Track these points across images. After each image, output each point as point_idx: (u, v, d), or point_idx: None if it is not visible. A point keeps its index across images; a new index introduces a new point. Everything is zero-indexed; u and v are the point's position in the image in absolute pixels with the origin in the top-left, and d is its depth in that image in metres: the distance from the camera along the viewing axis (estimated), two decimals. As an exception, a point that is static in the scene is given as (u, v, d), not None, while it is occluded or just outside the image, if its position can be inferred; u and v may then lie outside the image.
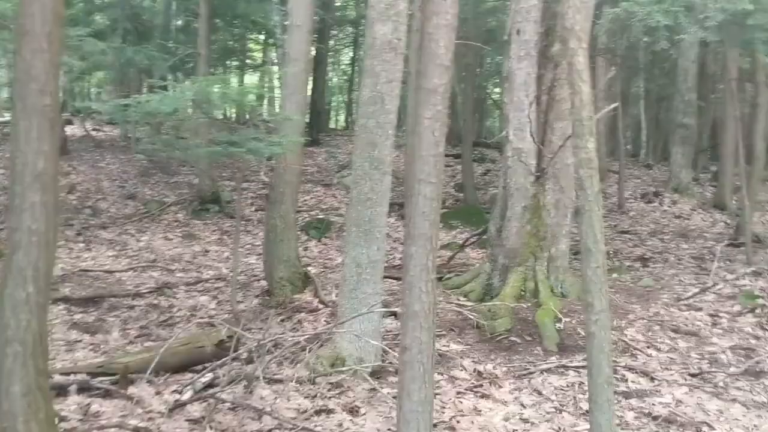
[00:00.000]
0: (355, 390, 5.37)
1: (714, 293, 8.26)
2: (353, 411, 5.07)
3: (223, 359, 5.50)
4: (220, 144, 6.58)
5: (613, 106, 10.09)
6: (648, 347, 6.51)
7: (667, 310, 7.63)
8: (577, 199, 3.29)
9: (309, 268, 8.86)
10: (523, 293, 7.34)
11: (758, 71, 11.68)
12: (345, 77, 28.82)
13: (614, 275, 9.09)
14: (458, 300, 7.54)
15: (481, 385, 5.70)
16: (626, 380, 5.78)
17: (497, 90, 22.25)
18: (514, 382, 5.78)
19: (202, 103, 6.60)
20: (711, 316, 7.56)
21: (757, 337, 7.03)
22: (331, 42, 24.11)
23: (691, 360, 6.29)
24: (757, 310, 7.66)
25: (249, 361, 5.73)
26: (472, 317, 6.76)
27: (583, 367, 5.94)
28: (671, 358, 6.30)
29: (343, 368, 5.54)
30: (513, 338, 6.59)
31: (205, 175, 13.09)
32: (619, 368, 5.95)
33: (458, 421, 5.11)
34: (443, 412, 5.20)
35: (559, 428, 5.03)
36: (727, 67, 12.46)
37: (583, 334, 6.93)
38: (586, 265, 3.22)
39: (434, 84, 3.30)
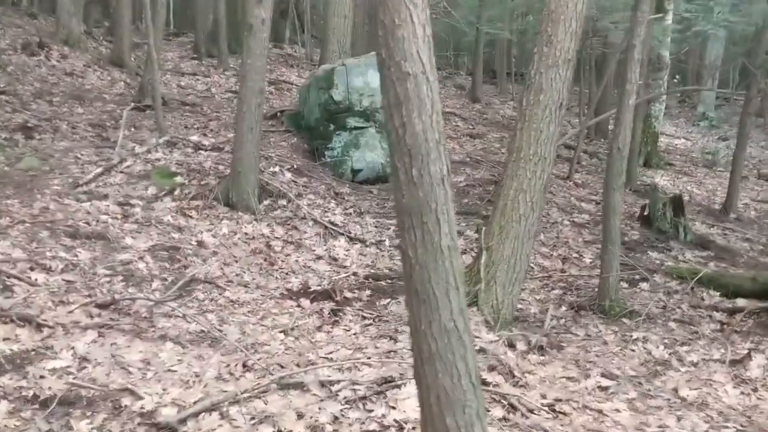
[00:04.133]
0: None
1: (122, 172, 6.33)
2: None
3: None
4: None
5: None
6: (32, 269, 4.19)
7: (60, 203, 5.36)
8: None
9: None
10: None
11: None
12: None
13: (-21, 155, 6.26)
14: None
15: None
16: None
17: None
18: None
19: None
20: (121, 205, 5.63)
21: (179, 229, 5.45)
22: None
23: (98, 281, 4.27)
24: (176, 192, 6.08)
25: None
26: None
27: None
28: (69, 283, 4.15)
29: None
30: None
31: None
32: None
33: None
34: None
35: None
36: None
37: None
38: None
39: None
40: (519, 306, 4.93)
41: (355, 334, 4.20)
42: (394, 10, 2.45)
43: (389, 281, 5.11)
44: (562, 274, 5.85)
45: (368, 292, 4.83)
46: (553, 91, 4.58)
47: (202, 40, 16.46)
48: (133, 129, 8.30)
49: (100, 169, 6.16)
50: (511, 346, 4.25)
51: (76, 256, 4.48)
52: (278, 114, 8.71)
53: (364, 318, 4.47)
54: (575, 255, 6.42)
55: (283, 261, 5.41)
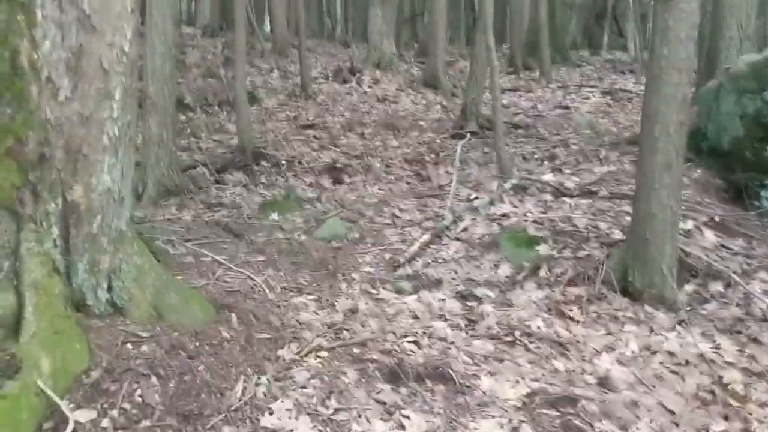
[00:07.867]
0: None
1: (458, 239, 4.29)
2: None
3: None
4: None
5: None
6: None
7: (374, 300, 3.44)
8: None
9: None
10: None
11: None
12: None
13: (272, 216, 4.72)
14: None
15: None
16: None
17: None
18: None
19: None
20: (462, 298, 3.55)
21: (561, 348, 3.16)
22: None
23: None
24: (542, 271, 3.83)
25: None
26: None
27: None
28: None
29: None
30: None
31: None
32: None
33: None
34: None
35: None
36: None
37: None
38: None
39: None
40: None
41: None
42: None
43: None
44: None
45: None
46: None
47: (518, 51, 14.50)
48: (458, 165, 6.38)
49: (427, 236, 4.19)
50: None
51: (403, 427, 2.41)
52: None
53: None
54: None
55: (762, 423, 2.80)
